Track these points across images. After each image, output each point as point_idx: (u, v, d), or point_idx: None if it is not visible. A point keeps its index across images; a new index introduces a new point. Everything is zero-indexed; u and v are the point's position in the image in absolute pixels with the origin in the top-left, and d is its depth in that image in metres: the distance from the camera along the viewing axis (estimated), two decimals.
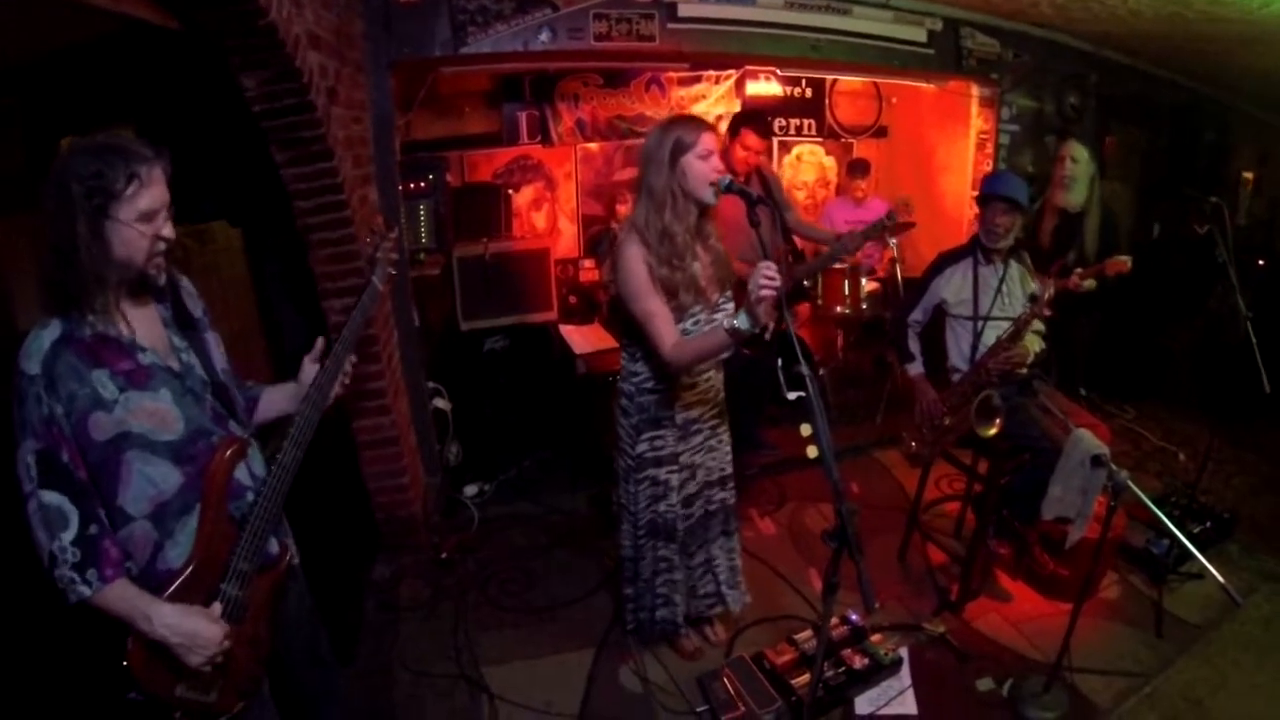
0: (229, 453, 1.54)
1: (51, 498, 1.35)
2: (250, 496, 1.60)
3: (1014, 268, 2.96)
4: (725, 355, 2.22)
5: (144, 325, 1.51)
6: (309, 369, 1.78)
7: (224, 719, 1.56)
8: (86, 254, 1.36)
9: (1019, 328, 2.77)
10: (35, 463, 1.35)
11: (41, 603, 1.52)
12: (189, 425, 1.50)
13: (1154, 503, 2.80)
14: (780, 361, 1.74)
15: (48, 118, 3.13)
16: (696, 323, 2.22)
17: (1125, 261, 2.74)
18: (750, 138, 3.46)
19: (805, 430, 1.66)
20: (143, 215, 1.41)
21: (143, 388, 1.45)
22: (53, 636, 2.05)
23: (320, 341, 1.80)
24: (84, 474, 1.39)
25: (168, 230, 1.46)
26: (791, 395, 1.68)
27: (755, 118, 3.65)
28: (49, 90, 3.02)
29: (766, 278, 1.85)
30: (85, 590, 1.35)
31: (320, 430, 1.73)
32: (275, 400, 1.83)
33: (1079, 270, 2.77)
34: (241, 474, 1.60)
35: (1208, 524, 3.22)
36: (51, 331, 1.37)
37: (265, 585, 1.63)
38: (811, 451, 1.68)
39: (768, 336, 1.80)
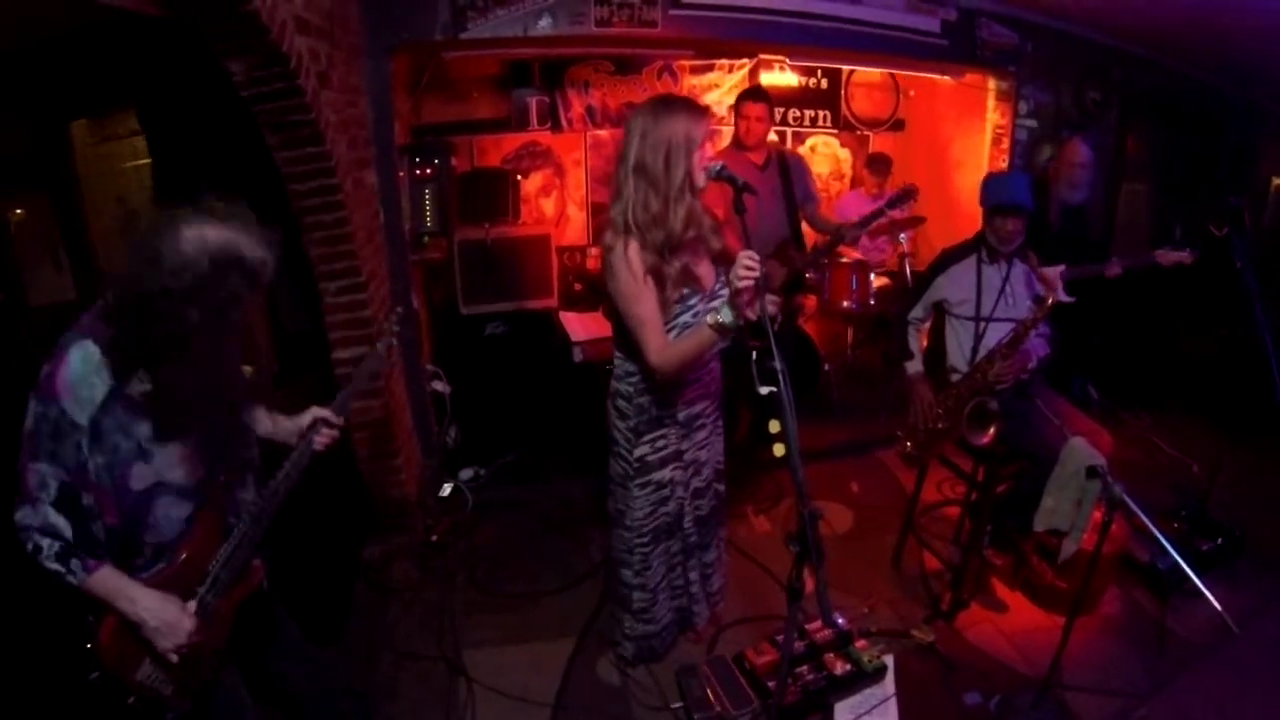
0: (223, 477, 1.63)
1: (57, 519, 1.38)
2: (231, 522, 1.67)
3: (1018, 268, 2.87)
4: (721, 346, 2.16)
5: None
6: (307, 418, 1.84)
7: (172, 715, 1.60)
8: (183, 340, 1.38)
9: (1020, 333, 2.68)
10: (57, 488, 1.37)
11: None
12: (205, 468, 1.57)
13: (1163, 517, 2.70)
14: (755, 355, 1.68)
15: (54, 101, 3.18)
16: (696, 314, 2.17)
17: (1184, 255, 3.01)
18: (747, 106, 3.48)
19: (774, 427, 1.62)
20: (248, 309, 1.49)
21: (178, 438, 1.50)
22: (10, 620, 2.09)
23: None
24: (115, 520, 1.45)
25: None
26: (764, 390, 1.63)
27: (751, 91, 3.63)
28: (55, 74, 3.07)
29: (746, 267, 1.81)
30: (73, 580, 1.40)
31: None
32: (277, 431, 1.87)
33: (1121, 260, 3.06)
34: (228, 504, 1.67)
35: (1218, 540, 3.10)
36: (103, 381, 1.37)
37: (234, 598, 1.70)
38: (779, 449, 1.64)
39: (775, 327, 1.74)
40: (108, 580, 1.43)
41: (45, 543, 1.38)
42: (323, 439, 1.82)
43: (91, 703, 1.50)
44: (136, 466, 1.44)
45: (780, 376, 1.60)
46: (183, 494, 1.53)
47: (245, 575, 1.71)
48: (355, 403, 3.10)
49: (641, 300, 2.09)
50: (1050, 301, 2.59)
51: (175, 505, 1.53)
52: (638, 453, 2.32)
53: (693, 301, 2.17)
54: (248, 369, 1.57)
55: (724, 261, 2.27)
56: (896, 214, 4.67)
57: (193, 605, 1.55)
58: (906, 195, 3.54)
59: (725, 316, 1.90)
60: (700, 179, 2.10)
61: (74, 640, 1.47)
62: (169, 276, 1.32)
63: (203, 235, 1.37)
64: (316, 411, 1.84)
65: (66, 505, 1.39)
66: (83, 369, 1.36)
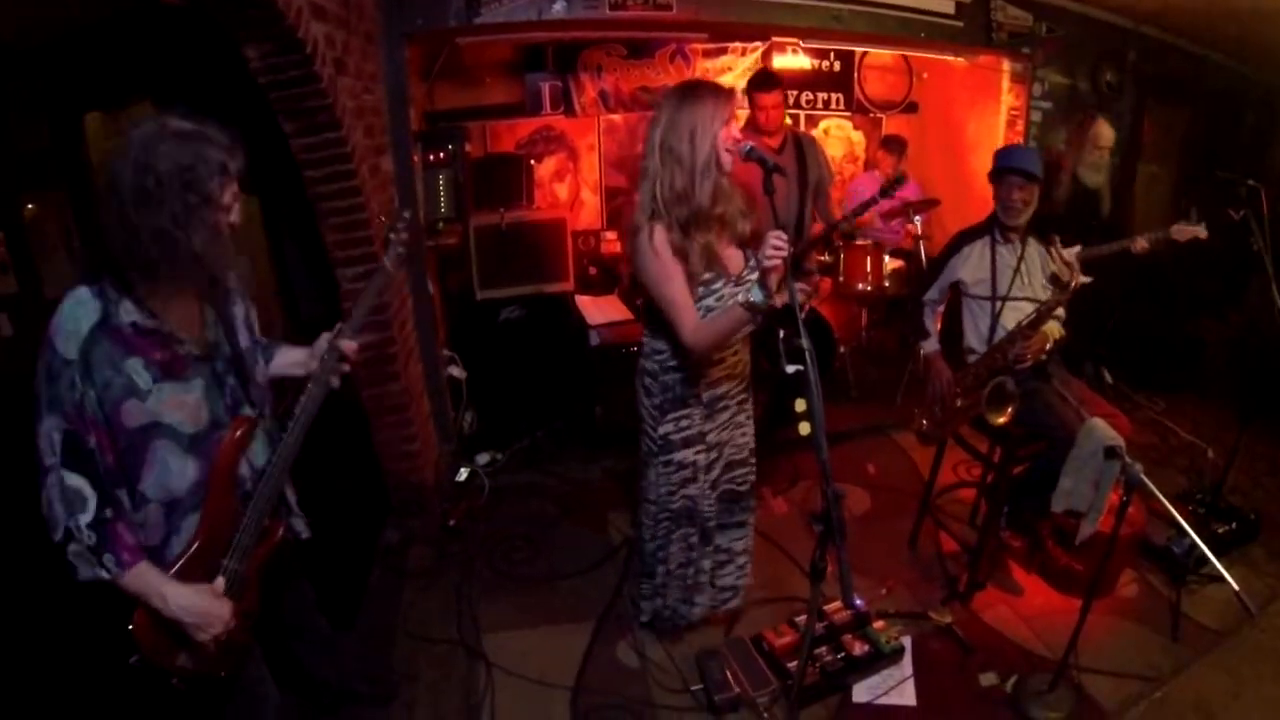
0: (239, 433, 1.58)
1: (73, 479, 1.38)
2: (249, 486, 1.63)
3: (1033, 246, 2.86)
4: (750, 329, 2.17)
5: (181, 306, 1.52)
6: (322, 343, 1.79)
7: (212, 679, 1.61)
8: (159, 241, 1.36)
9: (1042, 313, 2.67)
10: (61, 440, 1.37)
11: (41, 572, 1.57)
12: (210, 417, 1.54)
13: (1177, 500, 2.68)
14: (781, 334, 1.69)
15: (69, 95, 3.17)
16: (720, 298, 2.17)
17: (1199, 229, 2.87)
18: (761, 96, 3.48)
19: (800, 405, 1.63)
20: (226, 205, 1.44)
21: (178, 379, 1.47)
22: (53, 604, 2.11)
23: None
24: (111, 459, 1.42)
25: (235, 216, 1.49)
26: (790, 369, 1.63)
27: (759, 79, 3.62)
28: (69, 68, 3.07)
29: (775, 247, 1.83)
30: (105, 574, 1.39)
31: (336, 394, 1.76)
32: (285, 362, 1.86)
33: (1144, 235, 2.93)
34: (243, 468, 1.63)
35: (1233, 524, 3.10)
36: (89, 314, 1.37)
37: (259, 557, 1.68)
38: (804, 428, 1.64)
39: (803, 314, 1.74)
40: (141, 578, 1.43)
41: (73, 523, 1.36)
42: (336, 371, 1.75)
43: (137, 683, 1.52)
44: (130, 403, 1.41)
45: (807, 355, 1.60)
46: (182, 443, 1.49)
47: (268, 534, 1.70)
48: (371, 388, 3.15)
49: (672, 280, 2.11)
50: (1074, 285, 2.58)
51: (176, 455, 1.49)
52: (661, 430, 2.34)
53: (716, 285, 2.18)
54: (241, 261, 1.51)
55: (750, 246, 2.28)
56: (908, 196, 4.66)
57: (220, 583, 1.54)
58: (896, 184, 3.45)
59: (755, 296, 1.91)
60: (726, 159, 2.10)
61: (113, 626, 1.47)
62: (136, 181, 1.34)
63: (155, 138, 1.37)
64: (329, 336, 1.77)
65: (75, 458, 1.37)
66: (71, 308, 1.38)
